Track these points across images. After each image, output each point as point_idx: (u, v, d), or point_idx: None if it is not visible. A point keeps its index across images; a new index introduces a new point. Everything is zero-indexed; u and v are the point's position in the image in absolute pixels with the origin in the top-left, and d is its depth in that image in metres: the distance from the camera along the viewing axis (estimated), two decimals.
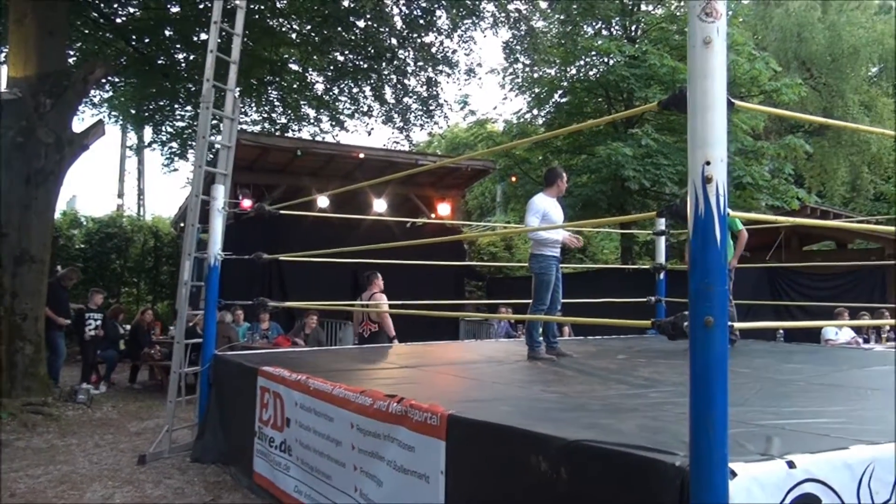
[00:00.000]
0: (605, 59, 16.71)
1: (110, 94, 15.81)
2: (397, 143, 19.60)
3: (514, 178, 18.13)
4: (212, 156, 7.61)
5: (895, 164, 22.59)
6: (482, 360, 5.95)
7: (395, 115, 17.58)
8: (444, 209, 15.34)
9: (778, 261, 13.79)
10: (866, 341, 10.33)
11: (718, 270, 2.18)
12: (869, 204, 23.95)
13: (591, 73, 17.67)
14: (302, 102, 16.70)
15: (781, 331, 9.84)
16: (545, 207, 5.77)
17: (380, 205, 14.32)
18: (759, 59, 15.26)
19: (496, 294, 17.01)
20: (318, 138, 17.06)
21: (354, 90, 16.41)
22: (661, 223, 8.28)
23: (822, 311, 11.11)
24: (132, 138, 22.51)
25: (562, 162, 16.93)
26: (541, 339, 5.89)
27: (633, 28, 17.84)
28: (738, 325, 2.62)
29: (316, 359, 5.95)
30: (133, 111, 16.19)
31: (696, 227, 2.19)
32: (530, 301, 5.76)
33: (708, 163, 2.17)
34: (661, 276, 8.25)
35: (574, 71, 18.07)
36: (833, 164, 23.35)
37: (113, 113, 16.57)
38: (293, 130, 17.37)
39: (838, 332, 10.30)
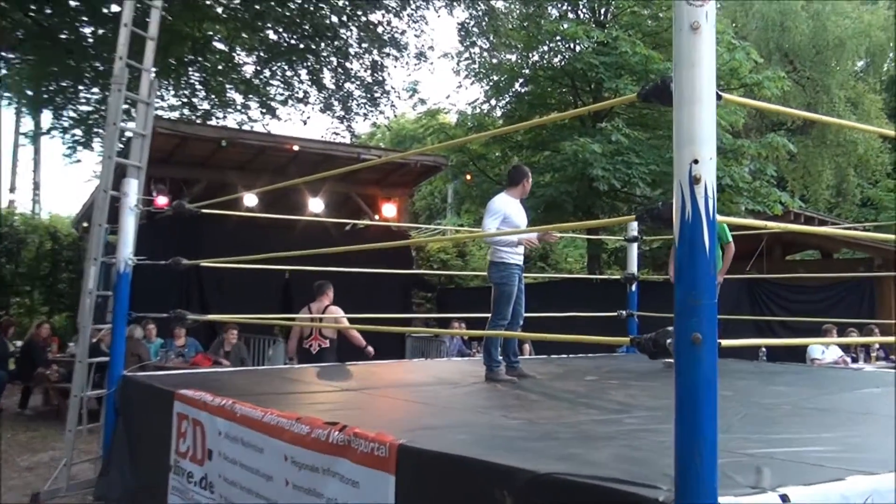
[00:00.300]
0: (572, 45, 16.94)
1: (4, 71, 15.36)
2: (337, 134, 19.53)
3: (468, 177, 18.22)
4: (122, 145, 7.44)
5: (893, 166, 23.32)
6: (434, 381, 5.93)
7: (335, 103, 17.51)
8: (389, 210, 15.33)
9: (759, 271, 14.14)
10: (854, 360, 10.63)
11: (707, 282, 2.20)
12: (855, 210, 24.71)
13: (555, 60, 17.90)
14: (228, 86, 16.52)
15: (764, 349, 10.06)
16: (507, 210, 5.80)
17: (316, 204, 14.24)
18: (738, 48, 15.64)
19: (448, 307, 17.10)
20: (246, 127, 16.92)
21: (288, 73, 16.32)
22: (634, 228, 8.39)
23: (806, 327, 11.42)
24: (27, 124, 21.93)
25: (522, 159, 17.06)
26: (500, 358, 5.90)
27: (602, 11, 18.12)
28: (722, 342, 2.63)
29: (243, 380, 5.85)
30: (30, 92, 15.77)
31: (682, 234, 2.21)
32: (487, 315, 5.78)
33: (696, 161, 2.20)
34: (633, 287, 8.34)
35: (537, 57, 18.30)
36: (818, 165, 24.08)
37: (6, 94, 16.11)
38: (217, 118, 17.16)
39: (825, 350, 10.58)
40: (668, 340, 2.32)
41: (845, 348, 10.79)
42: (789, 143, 16.62)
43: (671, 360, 2.25)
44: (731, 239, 6.66)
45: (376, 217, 15.39)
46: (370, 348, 7.95)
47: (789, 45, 23.76)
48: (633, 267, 8.42)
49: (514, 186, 5.99)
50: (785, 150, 17.41)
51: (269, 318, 8.74)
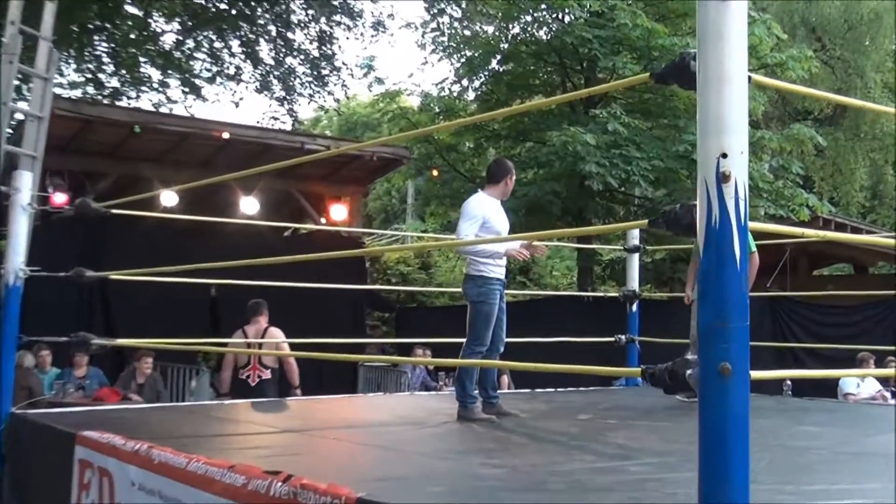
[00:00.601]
0: (560, 16, 17.06)
1: None
2: (276, 119, 19.37)
3: (435, 172, 18.21)
4: (11, 130, 7.32)
5: None
6: (396, 421, 5.92)
7: (274, 81, 17.43)
8: (338, 212, 15.29)
9: (781, 288, 14.32)
10: (895, 396, 10.76)
11: (737, 300, 2.22)
12: (894, 215, 25.07)
13: (540, 32, 17.97)
14: (142, 59, 16.38)
15: (788, 381, 10.16)
16: (486, 213, 5.80)
17: (249, 204, 14.15)
18: (758, 22, 15.80)
19: (409, 330, 16.98)
20: (164, 110, 16.75)
21: (217, 45, 16.23)
22: (635, 236, 8.44)
23: (838, 356, 11.55)
24: None
25: (500, 151, 17.10)
26: (476, 392, 5.88)
27: None
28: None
29: (161, 419, 5.81)
30: None
31: (708, 242, 2.23)
32: (456, 339, 5.79)
33: (724, 155, 2.21)
34: (634, 307, 8.38)
35: (518, 29, 18.33)
36: (850, 162, 24.45)
37: None
38: (129, 98, 16.99)
39: (861, 383, 10.72)
40: (689, 371, 2.33)
41: (884, 381, 10.93)
42: (817, 136, 16.81)
43: (690, 398, 2.26)
44: (755, 248, 6.72)
45: (323, 220, 15.31)
46: (299, 391, 8.08)
47: (817, 19, 24.14)
48: (633, 282, 8.44)
49: (495, 184, 6.00)
50: (812, 144, 17.64)
51: (193, 344, 8.60)
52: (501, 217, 5.96)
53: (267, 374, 8.12)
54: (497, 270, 5.87)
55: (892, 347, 10.54)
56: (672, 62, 2.54)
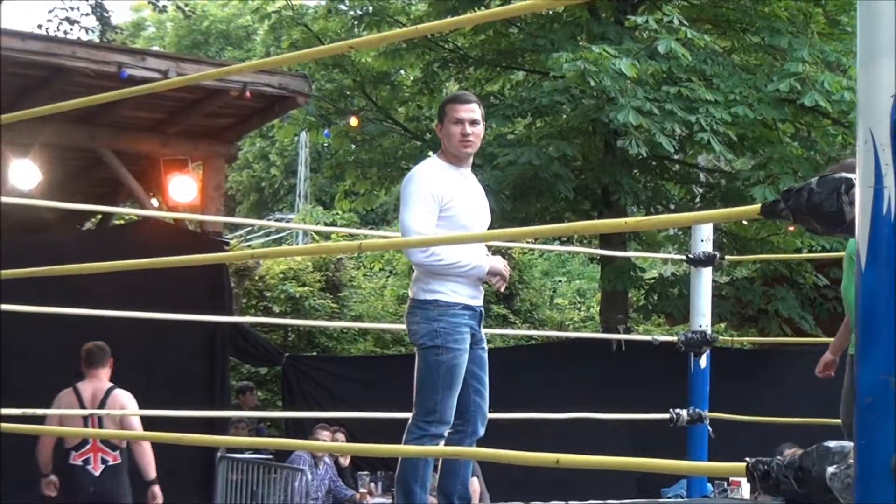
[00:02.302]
0: None
1: None
2: (72, 23, 14.71)
3: (354, 121, 12.30)
4: None
5: None
6: None
7: None
8: (182, 189, 10.36)
9: None
10: None
11: None
12: None
13: None
14: None
15: None
16: (444, 189, 4.39)
17: (24, 173, 9.89)
18: None
19: (305, 396, 11.39)
20: None
21: None
22: (705, 237, 6.29)
23: None
24: None
25: (469, 86, 12.09)
26: (427, 498, 4.50)
27: None
28: None
29: None
30: None
31: (876, 246, 1.79)
32: (403, 414, 4.53)
33: None
34: (704, 359, 6.25)
35: None
36: None
37: None
38: None
39: None
40: (831, 469, 1.87)
41: None
42: None
43: None
44: None
45: (154, 202, 10.81)
46: (158, 490, 6.76)
47: None
48: (702, 317, 6.29)
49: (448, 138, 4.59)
50: None
51: None
52: (472, 197, 4.52)
53: (114, 458, 6.63)
54: (464, 292, 4.39)
55: None
56: None
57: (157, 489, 6.72)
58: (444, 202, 4.30)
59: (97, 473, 6.62)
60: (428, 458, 4.45)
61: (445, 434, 4.35)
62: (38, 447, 6.82)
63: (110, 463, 6.68)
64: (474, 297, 4.42)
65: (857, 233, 1.83)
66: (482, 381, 4.50)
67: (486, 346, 4.55)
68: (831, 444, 1.93)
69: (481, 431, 4.51)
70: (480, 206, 4.53)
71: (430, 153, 4.32)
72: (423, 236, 4.23)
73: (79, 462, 6.63)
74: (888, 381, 1.75)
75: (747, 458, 2.14)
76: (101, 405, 6.56)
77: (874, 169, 1.81)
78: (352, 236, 9.15)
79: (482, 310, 4.51)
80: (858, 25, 1.87)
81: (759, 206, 2.36)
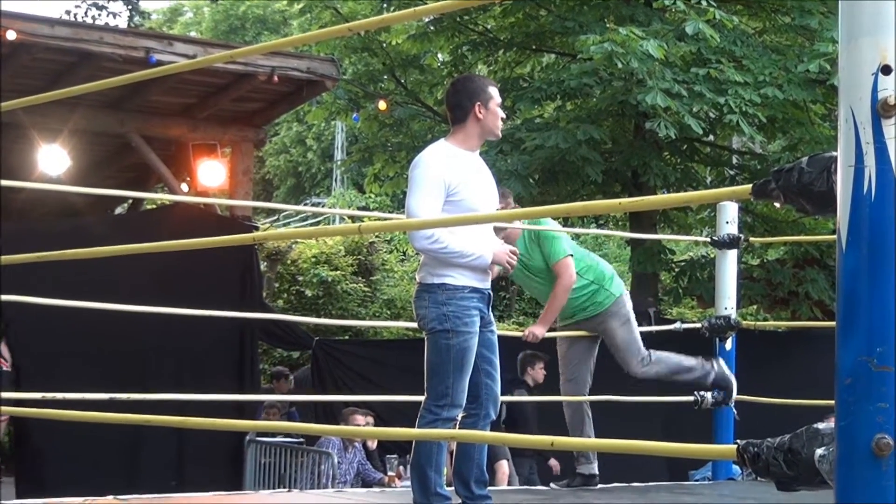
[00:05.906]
0: None
1: None
2: (101, 9, 15.11)
3: (382, 105, 12.36)
4: None
5: None
6: None
7: None
8: (212, 173, 10.38)
9: None
10: None
11: None
12: None
13: None
14: None
15: None
16: (453, 175, 4.33)
17: (54, 157, 9.99)
18: None
19: (336, 380, 11.19)
20: None
21: None
22: (731, 218, 6.02)
23: None
24: None
25: (498, 68, 12.23)
26: (447, 490, 4.35)
27: None
28: None
29: None
30: None
31: (856, 224, 1.78)
32: (420, 398, 4.36)
33: (887, 69, 1.77)
34: (730, 343, 6.03)
35: None
36: None
37: None
38: None
39: None
40: (820, 451, 1.84)
41: None
42: None
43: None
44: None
45: (184, 187, 10.90)
46: None
47: None
48: (727, 300, 6.07)
49: (461, 124, 4.44)
50: None
51: None
52: (481, 182, 4.47)
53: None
54: (472, 275, 4.35)
55: None
56: None
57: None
58: (453, 187, 4.26)
59: None
60: (441, 441, 4.41)
61: (458, 417, 4.33)
62: None
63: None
64: (482, 280, 4.40)
65: (837, 213, 1.81)
66: (493, 364, 4.48)
67: (495, 328, 4.53)
68: (820, 425, 1.93)
69: (493, 414, 4.50)
70: (489, 190, 4.51)
71: (443, 139, 4.29)
72: (422, 217, 4.20)
73: None
74: (868, 363, 1.75)
75: (738, 441, 2.13)
76: None
77: (854, 148, 1.78)
78: (382, 221, 9.10)
79: (490, 292, 4.48)
80: (840, 4, 1.84)
81: (750, 186, 2.32)
